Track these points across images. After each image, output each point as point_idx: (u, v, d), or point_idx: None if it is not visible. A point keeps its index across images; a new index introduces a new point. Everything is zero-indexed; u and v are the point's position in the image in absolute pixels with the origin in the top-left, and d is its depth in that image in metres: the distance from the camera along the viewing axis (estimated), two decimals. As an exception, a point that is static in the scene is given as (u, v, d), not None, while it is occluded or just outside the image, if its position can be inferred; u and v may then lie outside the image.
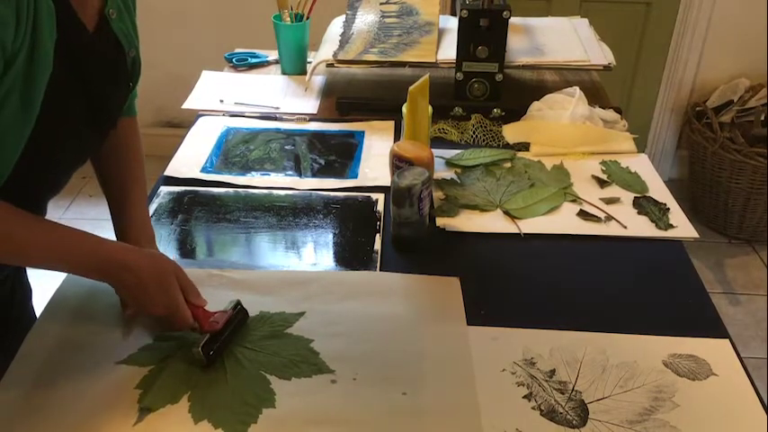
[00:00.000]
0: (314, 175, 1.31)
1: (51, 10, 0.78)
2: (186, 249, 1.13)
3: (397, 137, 1.44)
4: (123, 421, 0.81)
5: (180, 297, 0.89)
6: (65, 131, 0.88)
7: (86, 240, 0.86)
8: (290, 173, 1.32)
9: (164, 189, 1.27)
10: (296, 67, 1.70)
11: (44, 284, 1.08)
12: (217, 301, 0.94)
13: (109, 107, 0.96)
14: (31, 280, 1.16)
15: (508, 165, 1.34)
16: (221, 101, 1.57)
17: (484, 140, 1.43)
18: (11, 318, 1.07)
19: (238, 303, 0.94)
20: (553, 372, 0.89)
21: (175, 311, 0.88)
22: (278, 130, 1.47)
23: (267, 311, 0.97)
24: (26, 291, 1.15)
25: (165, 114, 3.03)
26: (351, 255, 1.11)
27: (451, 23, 1.67)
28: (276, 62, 1.76)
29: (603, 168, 1.33)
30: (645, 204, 1.23)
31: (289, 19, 1.66)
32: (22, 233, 0.82)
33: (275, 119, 1.51)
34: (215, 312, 0.92)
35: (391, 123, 1.48)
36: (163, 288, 0.88)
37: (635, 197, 1.25)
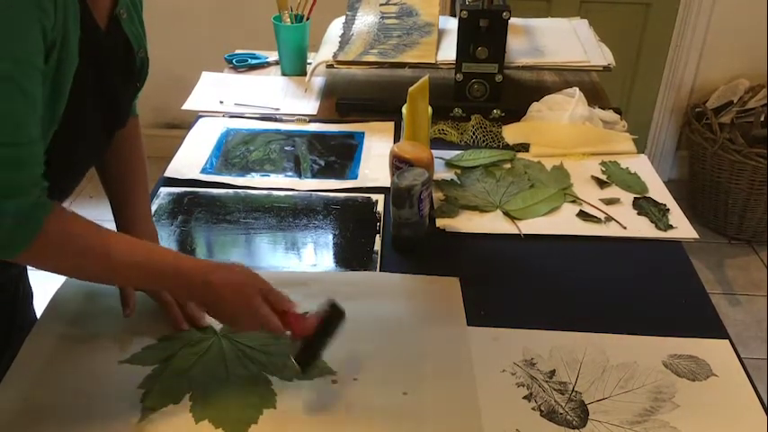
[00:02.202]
0: (314, 176, 1.32)
1: (76, 5, 0.79)
2: (186, 250, 1.13)
3: (396, 138, 1.44)
4: (126, 420, 0.81)
5: (266, 311, 0.83)
6: (82, 130, 0.89)
7: (170, 260, 0.84)
8: (289, 174, 1.32)
9: (164, 190, 1.27)
10: (296, 68, 1.70)
11: (45, 285, 1.08)
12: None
13: (120, 106, 0.96)
14: (31, 282, 1.16)
15: (508, 165, 1.34)
16: (221, 102, 1.58)
17: (484, 141, 1.43)
18: (14, 320, 1.07)
19: (333, 303, 0.87)
20: (553, 372, 0.89)
21: (265, 326, 0.84)
22: (278, 131, 1.47)
23: (267, 312, 0.97)
24: (27, 293, 1.15)
25: (164, 115, 3.03)
26: (351, 255, 1.11)
27: (451, 24, 1.67)
28: (276, 63, 1.76)
29: (603, 169, 1.33)
30: (645, 205, 1.23)
31: (289, 20, 1.66)
32: (117, 251, 0.81)
33: (275, 120, 1.51)
34: (307, 315, 0.87)
35: (391, 124, 1.48)
36: (248, 307, 0.83)
37: (635, 198, 1.25)
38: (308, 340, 0.85)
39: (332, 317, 0.87)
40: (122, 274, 0.85)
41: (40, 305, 1.04)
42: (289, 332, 0.85)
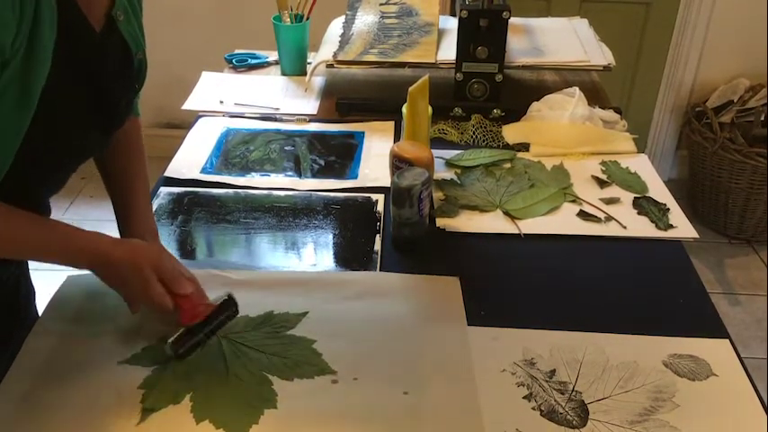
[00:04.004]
0: (314, 176, 1.32)
1: (53, 8, 0.78)
2: (186, 250, 1.13)
3: (396, 137, 1.44)
4: (126, 421, 0.81)
5: (155, 289, 0.87)
6: (69, 132, 0.89)
7: (73, 237, 0.87)
8: (289, 173, 1.32)
9: (164, 190, 1.27)
10: (296, 67, 1.70)
11: (48, 283, 1.08)
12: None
13: (116, 108, 0.96)
14: (34, 280, 1.16)
15: (508, 165, 1.34)
16: (221, 102, 1.58)
17: (484, 141, 1.43)
18: (15, 318, 1.07)
19: (229, 297, 0.92)
20: (553, 372, 0.89)
21: (152, 303, 0.88)
22: (278, 131, 1.47)
23: (269, 312, 0.97)
24: (30, 291, 1.15)
25: (164, 115, 3.03)
26: (351, 255, 1.11)
27: (451, 24, 1.67)
28: (276, 63, 1.76)
29: (603, 169, 1.33)
30: (645, 204, 1.23)
31: (288, 20, 1.66)
32: (14, 232, 0.83)
33: (275, 120, 1.51)
34: (200, 304, 0.90)
35: (391, 124, 1.49)
36: (140, 281, 0.87)
37: (635, 197, 1.25)
38: (190, 328, 0.88)
39: (222, 310, 0.90)
40: (29, 253, 0.89)
41: (43, 303, 1.04)
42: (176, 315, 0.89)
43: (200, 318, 0.88)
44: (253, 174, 1.32)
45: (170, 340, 0.87)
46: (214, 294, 0.93)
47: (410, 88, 1.21)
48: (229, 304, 0.92)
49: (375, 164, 1.34)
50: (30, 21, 0.75)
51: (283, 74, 1.71)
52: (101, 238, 0.89)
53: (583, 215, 1.20)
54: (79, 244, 0.87)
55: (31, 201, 0.85)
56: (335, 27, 1.72)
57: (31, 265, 1.14)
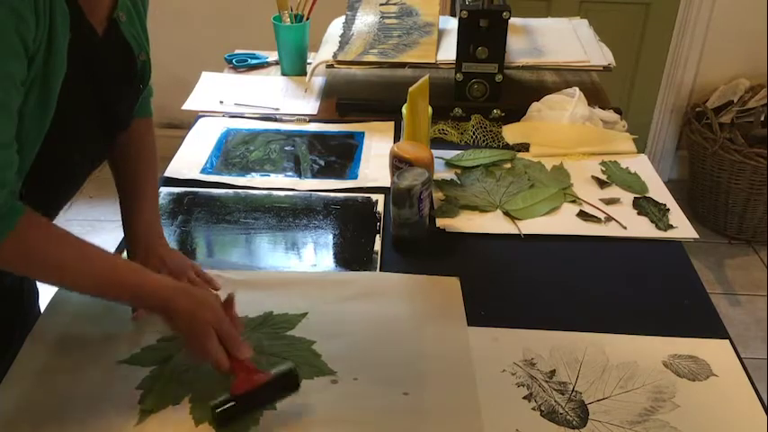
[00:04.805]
0: (314, 176, 1.32)
1: (65, 11, 0.79)
2: (186, 250, 1.13)
3: (396, 137, 1.44)
4: (124, 422, 0.81)
5: (213, 348, 0.81)
6: (79, 134, 0.89)
7: (132, 277, 0.84)
8: (289, 174, 1.32)
9: (164, 190, 1.27)
10: (296, 68, 1.70)
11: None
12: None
13: (118, 109, 0.96)
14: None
15: (508, 165, 1.34)
16: (221, 102, 1.58)
17: (484, 141, 1.43)
18: (17, 318, 1.07)
19: (290, 371, 0.82)
20: (553, 372, 0.89)
21: (209, 360, 0.82)
22: (278, 131, 1.47)
23: (269, 312, 0.97)
24: (33, 291, 1.15)
25: (164, 115, 3.02)
26: (351, 255, 1.11)
27: (451, 24, 1.67)
28: (276, 63, 1.76)
29: (603, 169, 1.33)
30: (645, 205, 1.23)
31: (288, 20, 1.66)
32: (74, 265, 0.81)
33: (275, 120, 1.51)
34: (256, 371, 0.82)
35: (391, 124, 1.48)
36: (198, 338, 0.82)
37: (635, 198, 1.25)
38: (238, 398, 0.80)
39: (279, 382, 0.82)
40: (84, 288, 0.84)
41: (44, 303, 1.04)
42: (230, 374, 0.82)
43: (254, 386, 0.81)
44: (253, 174, 1.32)
45: (214, 403, 0.79)
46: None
47: (410, 88, 1.21)
48: (288, 377, 0.82)
49: (375, 164, 1.34)
50: (46, 21, 0.76)
51: (283, 74, 1.72)
52: (166, 285, 0.85)
53: (583, 215, 1.20)
54: (146, 289, 0.83)
55: (47, 206, 0.85)
56: (335, 27, 1.72)
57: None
